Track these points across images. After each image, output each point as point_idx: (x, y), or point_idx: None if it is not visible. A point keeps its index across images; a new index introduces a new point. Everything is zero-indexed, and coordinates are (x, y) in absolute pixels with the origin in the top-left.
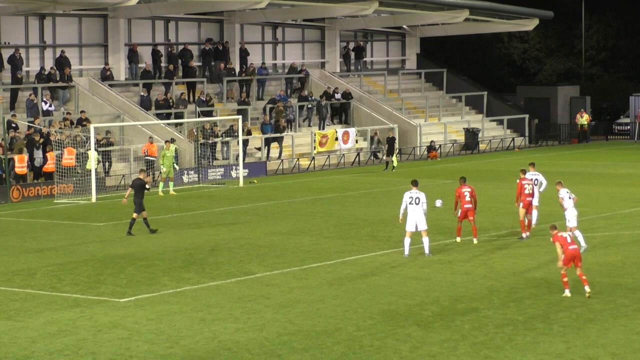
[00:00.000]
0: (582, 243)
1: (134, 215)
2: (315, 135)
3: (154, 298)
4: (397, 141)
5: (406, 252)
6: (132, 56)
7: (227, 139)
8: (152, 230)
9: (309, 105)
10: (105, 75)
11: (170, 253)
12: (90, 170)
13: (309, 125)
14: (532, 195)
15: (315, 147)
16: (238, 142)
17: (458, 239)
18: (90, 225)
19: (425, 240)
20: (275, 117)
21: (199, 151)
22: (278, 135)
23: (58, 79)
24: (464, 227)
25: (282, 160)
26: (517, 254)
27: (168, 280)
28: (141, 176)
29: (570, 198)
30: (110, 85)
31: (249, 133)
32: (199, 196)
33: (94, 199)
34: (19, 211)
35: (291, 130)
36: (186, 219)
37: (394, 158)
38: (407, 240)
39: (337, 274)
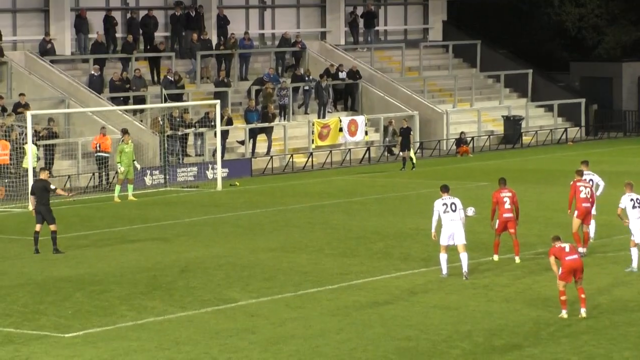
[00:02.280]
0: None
1: (37, 227)
2: (313, 125)
3: (108, 333)
4: (413, 132)
5: (444, 271)
6: (80, 24)
7: (202, 129)
8: (58, 250)
9: (306, 87)
10: (46, 49)
11: (129, 275)
12: (28, 170)
13: (306, 113)
14: (589, 201)
15: (313, 141)
16: (215, 134)
17: (495, 257)
18: (27, 240)
19: (464, 256)
20: (262, 102)
21: (166, 145)
22: (266, 125)
23: None
24: (503, 241)
25: (271, 157)
26: None
27: (126, 309)
28: (43, 176)
29: (635, 207)
30: (53, 62)
31: (229, 122)
32: (165, 203)
33: (31, 207)
34: None
35: (283, 118)
36: (149, 231)
37: (412, 153)
38: (443, 257)
39: (341, 302)
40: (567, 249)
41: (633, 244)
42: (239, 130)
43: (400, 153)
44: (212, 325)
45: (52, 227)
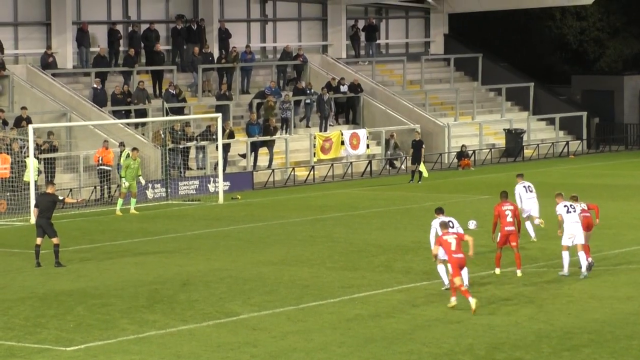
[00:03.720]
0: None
1: (37, 240)
2: (315, 138)
3: (109, 346)
4: (424, 145)
5: (446, 282)
6: (82, 38)
7: (203, 143)
8: (60, 263)
9: (308, 101)
10: (47, 63)
11: (131, 289)
12: (29, 183)
13: (308, 126)
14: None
15: (315, 154)
16: (217, 147)
17: (497, 271)
18: (28, 254)
19: (465, 271)
20: (264, 116)
21: (167, 159)
22: (268, 138)
23: None
24: (505, 255)
25: (272, 171)
26: (572, 290)
27: (128, 323)
28: (50, 190)
29: (569, 212)
30: (54, 75)
31: (230, 135)
32: (167, 216)
33: (32, 220)
34: None
35: (285, 132)
36: (151, 245)
37: (423, 167)
38: (442, 269)
39: (342, 315)
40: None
41: (580, 248)
42: (241, 143)
43: (409, 165)
44: (214, 339)
45: (55, 240)
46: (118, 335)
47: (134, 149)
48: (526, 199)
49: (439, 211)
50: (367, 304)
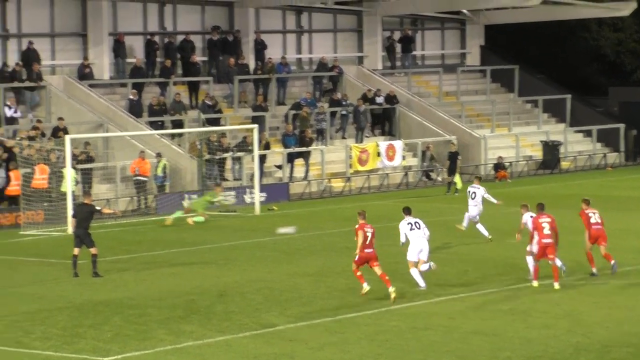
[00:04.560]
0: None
1: (75, 250)
2: (351, 149)
3: (146, 357)
4: (460, 157)
5: (422, 284)
6: (119, 49)
7: (239, 154)
8: (97, 273)
9: (344, 112)
10: (84, 73)
11: (168, 299)
12: (66, 194)
13: (343, 137)
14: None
15: (352, 165)
16: (253, 158)
17: (535, 283)
18: (65, 264)
19: (425, 267)
20: (300, 127)
21: (204, 170)
22: (304, 149)
23: (25, 77)
24: (542, 267)
25: (308, 182)
26: (610, 302)
27: (165, 333)
28: (87, 201)
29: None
30: (91, 86)
31: (267, 147)
32: (203, 227)
33: (70, 230)
34: None
35: (321, 143)
36: (188, 255)
37: (457, 178)
38: (414, 272)
39: (379, 327)
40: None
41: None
42: (277, 154)
43: (445, 177)
44: (251, 350)
45: (93, 250)
46: (155, 346)
47: (218, 184)
48: None
49: (407, 211)
50: (403, 316)
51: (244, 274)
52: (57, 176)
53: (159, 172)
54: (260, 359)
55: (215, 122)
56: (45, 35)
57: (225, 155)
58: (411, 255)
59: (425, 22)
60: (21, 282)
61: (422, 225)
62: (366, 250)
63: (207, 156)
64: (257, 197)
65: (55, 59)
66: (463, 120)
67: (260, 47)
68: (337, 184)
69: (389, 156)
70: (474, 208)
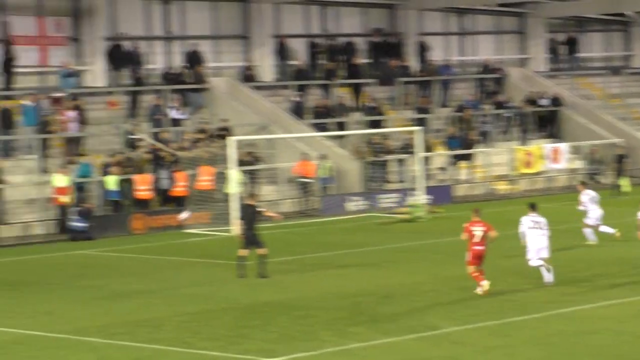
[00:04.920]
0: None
1: (243, 252)
2: (516, 152)
3: (311, 358)
4: (625, 159)
5: (548, 279)
6: (282, 51)
7: (403, 156)
8: (264, 275)
9: (507, 114)
10: (247, 75)
11: (333, 301)
12: (231, 195)
13: (507, 140)
14: None
15: (516, 168)
16: (416, 161)
17: None
18: (231, 265)
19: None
20: (463, 129)
21: (367, 172)
22: (467, 151)
23: (189, 79)
24: None
25: (472, 184)
26: None
27: (329, 335)
28: (251, 201)
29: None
30: (255, 88)
31: (429, 149)
32: (368, 229)
33: (235, 231)
34: (142, 246)
35: (485, 145)
36: (352, 257)
37: (625, 181)
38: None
39: (545, 330)
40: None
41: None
42: (440, 156)
43: (614, 180)
44: (416, 352)
45: (262, 251)
46: (320, 347)
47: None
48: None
49: (532, 207)
50: (571, 320)
51: (408, 276)
52: (222, 177)
53: (324, 174)
54: None
55: (378, 124)
56: (209, 37)
57: (389, 157)
58: (531, 254)
59: (589, 24)
60: (188, 283)
61: (544, 224)
62: (477, 247)
63: (371, 158)
64: (420, 199)
65: (218, 61)
66: (629, 123)
67: (423, 49)
68: (502, 187)
69: (554, 159)
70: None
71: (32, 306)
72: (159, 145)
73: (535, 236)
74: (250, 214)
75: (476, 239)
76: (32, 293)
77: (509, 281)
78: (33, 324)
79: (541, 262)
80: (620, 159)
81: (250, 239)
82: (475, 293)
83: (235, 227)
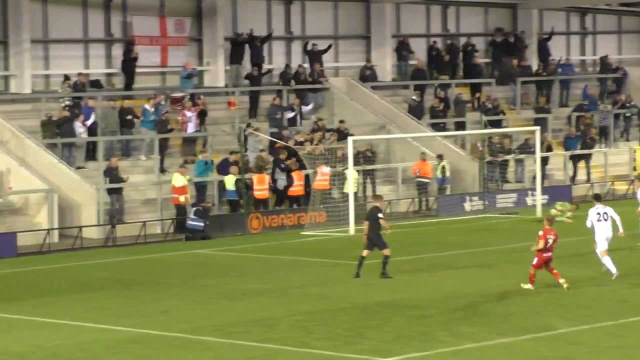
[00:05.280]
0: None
1: (364, 252)
2: (635, 152)
3: (426, 358)
4: None
5: (613, 270)
6: (402, 50)
7: (521, 156)
8: (386, 275)
9: (627, 114)
10: (365, 75)
11: (449, 301)
12: (348, 194)
13: (627, 140)
14: None
15: (636, 168)
16: (535, 160)
17: None
18: (348, 265)
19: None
20: (583, 129)
21: (485, 172)
22: (586, 151)
23: (309, 79)
24: None
25: (591, 184)
26: None
27: (445, 335)
28: (377, 204)
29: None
30: (373, 88)
31: (549, 149)
32: (485, 229)
33: (352, 231)
34: (259, 245)
35: (604, 145)
36: (469, 257)
37: None
38: (607, 260)
39: None
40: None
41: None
42: (559, 156)
43: None
44: (532, 353)
45: (386, 252)
46: (435, 347)
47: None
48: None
49: (597, 198)
50: None
51: (525, 276)
52: (339, 177)
53: (439, 174)
54: None
55: (496, 123)
56: (329, 37)
57: (507, 157)
58: (600, 246)
59: None
60: (305, 282)
61: (610, 215)
62: (545, 255)
63: (489, 158)
64: (539, 199)
65: (338, 61)
66: None
67: (543, 48)
68: (621, 187)
69: None
70: None
71: (147, 305)
72: (280, 142)
73: (601, 228)
74: (373, 216)
75: (547, 246)
76: (148, 292)
77: (623, 282)
78: (149, 323)
79: (607, 258)
80: None
81: (373, 240)
82: (525, 288)
83: (351, 227)
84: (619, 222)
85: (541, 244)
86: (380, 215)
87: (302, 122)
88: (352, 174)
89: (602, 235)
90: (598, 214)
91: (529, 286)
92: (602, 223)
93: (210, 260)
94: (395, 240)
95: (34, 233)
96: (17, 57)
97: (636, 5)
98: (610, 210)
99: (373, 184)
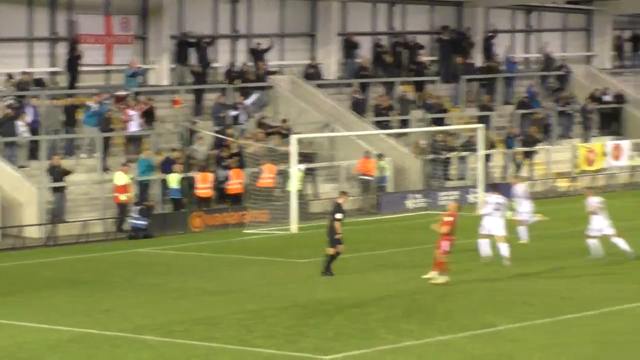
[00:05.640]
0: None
1: (331, 251)
2: (578, 149)
3: (367, 355)
4: None
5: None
6: (348, 49)
7: (464, 153)
8: (327, 272)
9: (570, 111)
10: (309, 73)
11: (389, 299)
12: (291, 192)
13: (570, 137)
14: None
15: (578, 165)
16: (477, 158)
17: None
18: (290, 263)
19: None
20: (526, 126)
21: (428, 169)
22: (528, 149)
23: (252, 78)
24: None
25: (533, 181)
26: None
27: (385, 333)
28: (340, 200)
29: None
30: (318, 86)
31: (492, 146)
32: (426, 226)
33: (294, 229)
34: (201, 244)
35: (547, 142)
36: (410, 255)
37: None
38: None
39: (601, 328)
40: None
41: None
42: (500, 154)
43: None
44: (470, 351)
45: (330, 250)
46: (376, 345)
47: None
48: None
49: (493, 188)
50: (627, 317)
51: (464, 274)
52: (283, 175)
53: (378, 173)
54: (479, 359)
55: (440, 121)
56: (275, 35)
57: (450, 154)
58: (496, 232)
59: None
60: (246, 280)
61: (505, 205)
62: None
63: (432, 155)
64: (480, 196)
65: (284, 59)
66: None
67: (487, 46)
68: (563, 184)
69: (615, 156)
70: None
71: (89, 305)
72: (231, 140)
73: (494, 217)
74: (332, 212)
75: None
76: (90, 291)
77: (564, 279)
78: (90, 323)
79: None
80: None
81: (329, 235)
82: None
83: (293, 224)
84: (515, 211)
85: (444, 229)
86: (337, 216)
87: (247, 120)
88: (295, 172)
89: (498, 223)
90: (493, 203)
91: (444, 278)
92: (496, 212)
93: (152, 259)
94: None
95: None
96: None
97: (582, 3)
98: (505, 200)
99: (314, 182)
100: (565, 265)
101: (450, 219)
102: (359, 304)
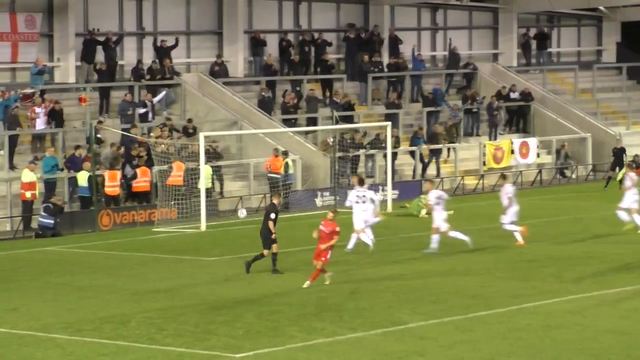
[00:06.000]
0: None
1: (265, 252)
2: (485, 147)
3: (278, 353)
4: (626, 153)
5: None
6: (255, 47)
7: (372, 151)
8: (276, 270)
9: (476, 109)
10: (215, 71)
11: (299, 297)
12: (201, 190)
13: (477, 135)
14: None
15: (486, 163)
16: (385, 156)
17: None
18: (198, 261)
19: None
20: (432, 125)
21: (337, 167)
22: (435, 147)
23: (160, 75)
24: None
25: (441, 180)
26: None
27: (296, 330)
28: (275, 201)
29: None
30: (226, 84)
31: (399, 144)
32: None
33: (203, 227)
34: (110, 242)
35: (455, 140)
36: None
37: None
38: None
39: (511, 325)
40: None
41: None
42: (408, 152)
43: (608, 172)
44: (382, 347)
45: (265, 252)
46: (286, 343)
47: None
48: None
49: (360, 182)
50: (536, 314)
51: (375, 271)
52: (192, 173)
53: (283, 171)
54: (390, 356)
55: (348, 119)
56: (181, 33)
57: (358, 152)
58: (356, 225)
59: (562, 19)
60: (155, 279)
61: (369, 197)
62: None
63: (340, 153)
64: (389, 194)
65: (190, 57)
66: (598, 118)
67: (395, 44)
68: (470, 182)
69: (522, 153)
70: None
71: None
72: (141, 138)
73: (358, 209)
74: (267, 213)
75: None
76: None
77: (473, 277)
78: None
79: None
80: (619, 152)
81: (263, 235)
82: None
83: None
84: (377, 205)
85: (323, 241)
86: (271, 216)
87: (154, 117)
88: (204, 170)
89: (359, 216)
90: (357, 196)
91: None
92: (359, 205)
93: (60, 257)
94: (244, 236)
95: None
96: None
97: (487, 1)
98: (370, 194)
99: (221, 180)
100: (475, 262)
101: (326, 229)
102: (268, 302)
